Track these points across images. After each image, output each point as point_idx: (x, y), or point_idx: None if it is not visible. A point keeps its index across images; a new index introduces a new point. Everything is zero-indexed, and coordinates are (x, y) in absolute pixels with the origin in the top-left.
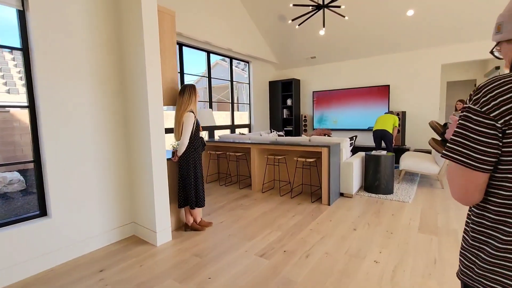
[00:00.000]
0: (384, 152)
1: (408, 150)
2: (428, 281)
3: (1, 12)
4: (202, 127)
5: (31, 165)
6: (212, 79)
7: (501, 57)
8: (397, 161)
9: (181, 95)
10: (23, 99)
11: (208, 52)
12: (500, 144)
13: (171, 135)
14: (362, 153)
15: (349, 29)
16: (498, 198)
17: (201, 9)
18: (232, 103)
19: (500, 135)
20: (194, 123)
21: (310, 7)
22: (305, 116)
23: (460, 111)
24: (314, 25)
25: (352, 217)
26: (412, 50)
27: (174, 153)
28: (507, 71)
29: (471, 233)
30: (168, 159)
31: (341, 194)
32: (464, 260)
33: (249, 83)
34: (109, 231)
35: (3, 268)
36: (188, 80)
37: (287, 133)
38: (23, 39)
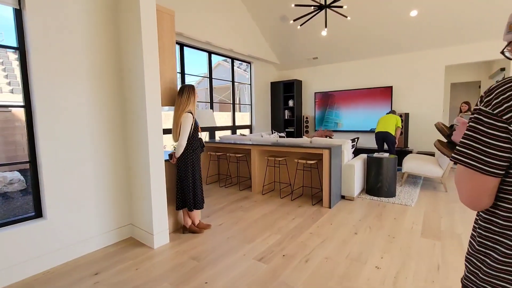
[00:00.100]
0: (386, 154)
1: (411, 152)
2: None
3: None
4: (202, 128)
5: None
6: (214, 80)
7: None
8: (399, 164)
9: (179, 95)
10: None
11: (209, 53)
12: None
13: (170, 136)
14: (364, 155)
15: (351, 30)
16: (508, 203)
17: (202, 9)
18: (233, 103)
19: None
20: (192, 124)
21: (312, 7)
22: (306, 117)
23: (464, 113)
24: (316, 25)
25: (353, 220)
26: (416, 51)
27: (172, 155)
28: None
29: (477, 238)
30: (166, 161)
31: (343, 197)
32: (469, 265)
33: (250, 84)
34: (106, 233)
35: None
36: (189, 80)
37: (289, 134)
38: (20, 38)
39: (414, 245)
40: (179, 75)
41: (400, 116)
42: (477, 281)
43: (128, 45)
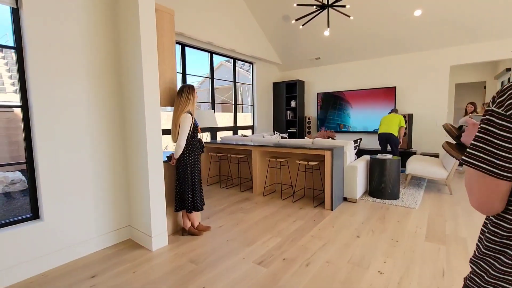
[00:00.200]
0: (389, 156)
1: (414, 153)
2: None
3: None
4: (204, 128)
5: None
6: (216, 80)
7: None
8: (403, 165)
9: (179, 95)
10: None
11: (211, 53)
12: None
13: (169, 137)
14: (367, 157)
15: (354, 30)
16: None
17: (204, 9)
18: (235, 104)
19: None
20: (191, 125)
21: (314, 7)
22: (309, 118)
23: (470, 114)
24: (319, 25)
25: (356, 223)
26: (420, 51)
27: (171, 156)
28: None
29: (485, 242)
30: (165, 162)
31: (345, 199)
32: (475, 267)
33: (252, 84)
34: (104, 235)
35: None
36: (191, 81)
37: (291, 135)
38: (17, 37)
39: (418, 249)
40: (180, 76)
41: (404, 117)
42: (482, 283)
43: (127, 44)
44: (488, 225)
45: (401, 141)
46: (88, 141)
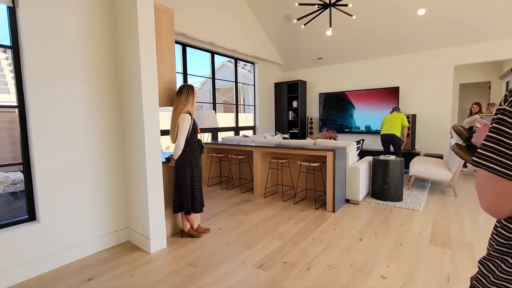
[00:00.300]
0: (392, 157)
1: (418, 154)
2: None
3: None
4: (204, 129)
5: None
6: (218, 80)
7: None
8: (406, 166)
9: (178, 95)
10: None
11: (212, 53)
12: None
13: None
14: (370, 158)
15: (356, 29)
16: None
17: (205, 9)
18: (237, 104)
19: None
20: (190, 125)
21: (316, 6)
22: (311, 119)
23: (475, 114)
24: (321, 25)
25: (358, 225)
26: (423, 51)
27: (170, 157)
28: None
29: (494, 244)
30: (163, 163)
31: (347, 201)
32: (482, 268)
33: (254, 85)
34: (102, 237)
35: None
36: (192, 81)
37: (293, 136)
38: (13, 36)
39: (422, 254)
40: (181, 76)
41: (407, 117)
42: (487, 284)
43: (125, 43)
44: (498, 228)
45: (405, 141)
46: (86, 142)
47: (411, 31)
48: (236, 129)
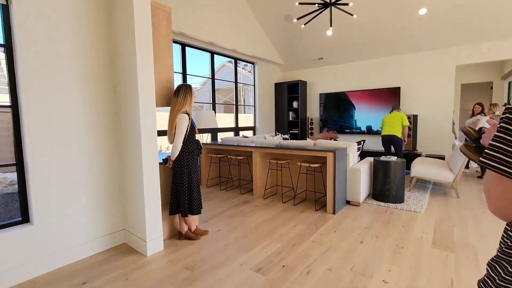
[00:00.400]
0: (394, 158)
1: (419, 155)
2: None
3: None
4: (204, 129)
5: None
6: (218, 81)
7: None
8: (408, 167)
9: (175, 95)
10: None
11: (212, 53)
12: None
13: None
14: (371, 159)
15: (357, 29)
16: None
17: (205, 9)
18: (237, 105)
19: None
20: (188, 125)
21: (317, 5)
22: (311, 119)
23: (476, 115)
24: (321, 25)
25: (359, 228)
26: (425, 51)
27: (167, 158)
28: None
29: (504, 248)
30: (161, 164)
31: (348, 202)
32: (489, 270)
33: (254, 85)
34: (97, 239)
35: None
36: (191, 82)
37: (293, 136)
38: (7, 35)
39: (424, 257)
40: (180, 76)
41: (408, 118)
42: (492, 286)
43: (122, 42)
44: (508, 230)
45: (406, 140)
46: (81, 142)
47: (413, 31)
48: (236, 130)
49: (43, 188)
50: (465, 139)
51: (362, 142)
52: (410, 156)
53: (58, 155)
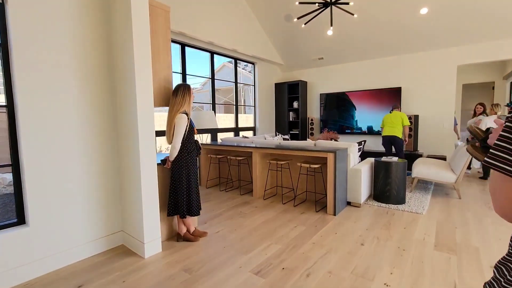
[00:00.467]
0: (395, 159)
1: (420, 156)
2: None
3: None
4: (203, 129)
5: None
6: (218, 81)
7: None
8: (409, 168)
9: (174, 95)
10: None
11: (212, 53)
12: None
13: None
14: (372, 159)
15: (358, 28)
16: None
17: (205, 9)
18: (236, 105)
19: None
20: (187, 126)
21: (317, 5)
22: (312, 119)
23: (478, 115)
24: (322, 24)
25: (360, 229)
26: (426, 51)
27: (166, 159)
28: None
29: (510, 250)
30: (158, 164)
31: (348, 203)
32: (496, 273)
33: (254, 85)
34: (94, 241)
35: None
36: (191, 82)
37: (293, 137)
38: (2, 34)
39: (427, 259)
40: (180, 76)
41: (409, 118)
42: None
43: (119, 41)
44: None
45: (406, 140)
46: (78, 142)
47: (414, 30)
48: (236, 130)
49: (39, 189)
50: (467, 139)
51: (363, 142)
52: (411, 156)
53: (55, 155)
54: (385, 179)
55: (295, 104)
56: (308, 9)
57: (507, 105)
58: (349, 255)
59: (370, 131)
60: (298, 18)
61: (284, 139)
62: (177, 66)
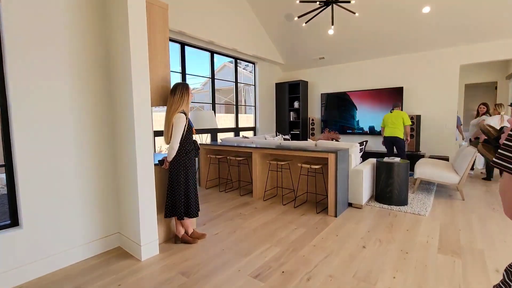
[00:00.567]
0: (397, 159)
1: (423, 156)
2: None
3: None
4: (203, 129)
5: None
6: (219, 81)
7: None
8: (411, 169)
9: (172, 94)
10: None
11: (212, 52)
12: None
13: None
14: (373, 160)
15: (359, 28)
16: None
17: (205, 8)
18: (237, 105)
19: None
20: (185, 125)
21: (318, 3)
22: (312, 119)
23: (481, 115)
24: (323, 24)
25: (362, 231)
26: (428, 50)
27: (164, 160)
28: None
29: None
30: (156, 165)
31: (350, 205)
32: (505, 276)
33: (254, 85)
34: (90, 243)
35: None
36: (191, 81)
37: (294, 137)
38: None
39: (430, 263)
40: (179, 75)
41: (411, 118)
42: None
43: (115, 39)
44: None
45: (408, 140)
46: (73, 142)
47: (416, 30)
48: (236, 130)
49: (33, 190)
50: (470, 139)
51: (364, 142)
52: (413, 157)
53: (49, 156)
54: (387, 180)
55: (296, 104)
56: (309, 7)
57: (511, 105)
58: (350, 258)
59: (372, 131)
60: (299, 17)
61: (284, 139)
62: (177, 66)
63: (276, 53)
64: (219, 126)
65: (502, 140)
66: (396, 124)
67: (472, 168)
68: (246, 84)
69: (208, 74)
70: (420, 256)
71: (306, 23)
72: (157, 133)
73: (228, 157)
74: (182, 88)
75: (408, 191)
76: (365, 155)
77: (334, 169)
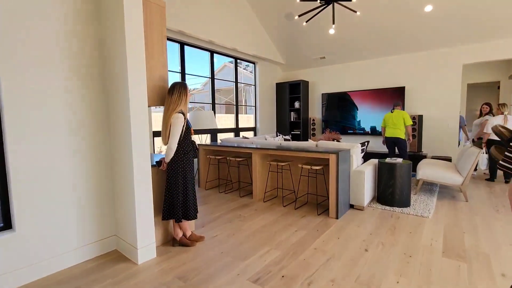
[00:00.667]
0: (399, 160)
1: (425, 157)
2: None
3: None
4: (202, 130)
5: None
6: (219, 81)
7: None
8: (413, 169)
9: (170, 94)
10: None
11: (212, 52)
12: None
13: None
14: (375, 160)
15: (361, 27)
16: None
17: (205, 7)
18: (237, 105)
19: None
20: (183, 126)
21: (319, 2)
22: (313, 120)
23: (484, 115)
24: (323, 23)
25: (364, 234)
26: (430, 49)
27: (161, 161)
28: None
29: None
30: (153, 166)
31: (351, 206)
32: None
33: (255, 85)
34: (86, 246)
35: None
36: (190, 82)
37: (295, 137)
38: None
39: (435, 267)
40: (179, 76)
41: (413, 118)
42: None
43: (111, 37)
44: None
45: (411, 139)
46: (68, 143)
47: (418, 29)
48: (236, 131)
49: (26, 192)
50: (473, 139)
51: (366, 143)
52: (416, 157)
53: (44, 156)
54: (389, 181)
55: (297, 104)
56: (309, 6)
57: None
58: (352, 262)
59: (373, 132)
60: (300, 16)
61: (285, 139)
62: (176, 66)
63: (277, 53)
64: (219, 127)
65: None
66: (397, 125)
67: (475, 169)
68: (246, 84)
69: (208, 74)
70: (424, 259)
71: (306, 22)
72: (157, 134)
73: (228, 158)
74: (180, 87)
75: (410, 192)
76: (367, 156)
77: (335, 170)
